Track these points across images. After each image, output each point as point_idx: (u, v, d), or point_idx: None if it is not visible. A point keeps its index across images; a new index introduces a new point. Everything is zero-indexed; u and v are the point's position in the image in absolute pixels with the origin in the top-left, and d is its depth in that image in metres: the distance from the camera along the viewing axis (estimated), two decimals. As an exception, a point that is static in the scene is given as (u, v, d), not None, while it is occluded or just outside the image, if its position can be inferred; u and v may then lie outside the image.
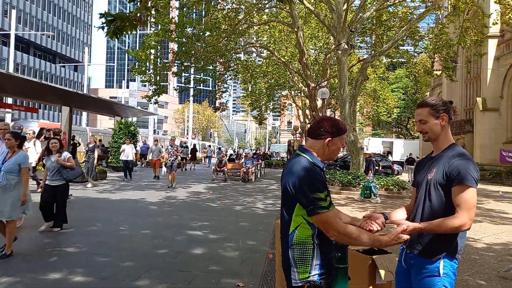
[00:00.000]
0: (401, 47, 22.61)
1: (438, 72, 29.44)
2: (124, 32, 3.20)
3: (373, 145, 37.30)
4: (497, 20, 15.27)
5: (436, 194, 2.20)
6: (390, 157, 28.67)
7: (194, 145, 33.09)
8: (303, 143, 11.13)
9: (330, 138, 2.08)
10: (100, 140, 27.44)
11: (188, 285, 4.31)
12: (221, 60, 19.50)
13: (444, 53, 18.56)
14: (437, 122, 2.27)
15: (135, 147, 21.79)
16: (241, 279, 4.54)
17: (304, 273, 1.98)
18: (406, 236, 2.08)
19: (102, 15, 2.95)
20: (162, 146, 19.16)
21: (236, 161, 22.54)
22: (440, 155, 2.28)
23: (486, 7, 20.62)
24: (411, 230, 2.10)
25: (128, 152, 16.10)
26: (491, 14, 15.61)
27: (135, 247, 5.81)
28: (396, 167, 26.45)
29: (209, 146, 50.79)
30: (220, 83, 23.44)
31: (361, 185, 13.93)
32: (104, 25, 2.94)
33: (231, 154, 29.66)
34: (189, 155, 26.48)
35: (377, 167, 14.22)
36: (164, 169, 15.00)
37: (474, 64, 26.34)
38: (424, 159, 2.46)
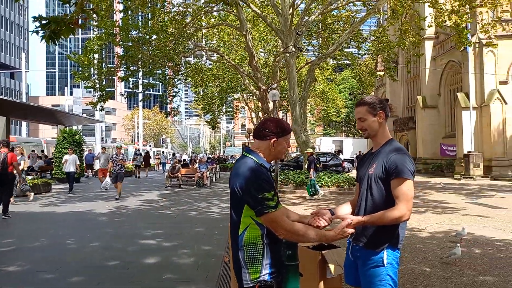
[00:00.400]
0: (346, 50, 23.47)
1: (381, 73, 30.87)
2: (62, 37, 3.06)
3: (325, 144, 38.33)
4: (432, 22, 16.26)
5: (377, 188, 2.30)
6: (341, 155, 29.64)
7: (147, 152, 32.46)
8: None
9: (275, 139, 2.12)
10: (42, 151, 26.16)
11: (141, 296, 4.19)
12: (169, 64, 19.17)
13: (385, 54, 19.49)
14: (375, 119, 2.38)
15: (82, 157, 20.89)
16: (196, 285, 4.49)
17: (254, 273, 2.00)
18: (351, 230, 2.16)
19: (35, 19, 2.79)
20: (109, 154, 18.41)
21: (190, 166, 22.26)
22: (379, 150, 2.39)
23: (422, 10, 21.91)
24: (355, 223, 2.19)
25: (70, 162, 15.16)
26: (426, 17, 16.60)
27: (84, 261, 5.56)
28: (346, 164, 27.33)
29: (163, 152, 49.80)
30: (170, 88, 23.05)
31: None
32: (39, 29, 2.79)
33: (184, 160, 29.36)
34: (143, 163, 26.13)
35: (318, 165, 14.51)
36: (108, 179, 14.02)
37: (413, 64, 27.87)
38: (365, 155, 2.57)
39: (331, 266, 2.66)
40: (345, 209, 2.49)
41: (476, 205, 11.22)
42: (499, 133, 22.72)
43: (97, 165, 17.91)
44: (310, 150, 14.41)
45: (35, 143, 30.27)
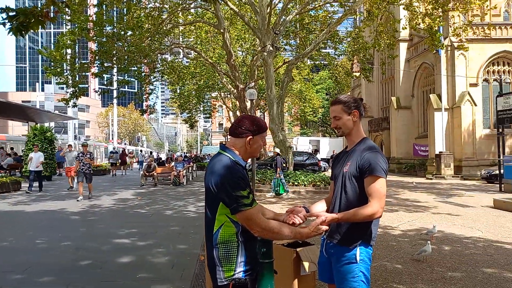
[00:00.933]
0: (323, 50, 23.72)
1: (357, 74, 31.38)
2: (31, 30, 2.96)
3: (302, 144, 38.66)
4: (406, 25, 16.61)
5: (351, 186, 2.34)
6: (318, 155, 29.99)
7: (123, 150, 32.16)
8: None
9: (251, 136, 2.11)
10: (12, 148, 25.31)
11: (114, 296, 4.11)
12: (145, 61, 18.86)
13: (361, 55, 19.80)
14: (349, 118, 2.41)
15: (53, 154, 20.31)
16: (171, 283, 4.44)
17: (229, 271, 1.99)
18: (325, 227, 2.18)
19: (2, 10, 2.68)
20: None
21: (166, 164, 22.03)
22: (354, 149, 2.43)
23: (397, 13, 22.40)
24: (330, 221, 2.21)
25: (35, 161, 14.32)
26: (400, 19, 16.96)
27: (55, 261, 5.41)
28: (322, 164, 27.66)
29: (141, 150, 49.07)
30: (145, 85, 22.70)
31: (290, 183, 14.39)
32: (6, 20, 2.68)
33: (160, 159, 29.23)
34: (119, 161, 26.24)
35: (284, 164, 14.76)
36: (76, 179, 13.09)
37: (388, 66, 28.45)
38: (340, 154, 2.61)
39: (305, 264, 2.68)
40: (319, 207, 2.51)
41: (447, 203, 11.55)
42: (469, 134, 23.48)
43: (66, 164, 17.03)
44: (277, 150, 14.67)
45: (22, 142, 29.81)
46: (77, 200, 11.71)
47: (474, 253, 5.80)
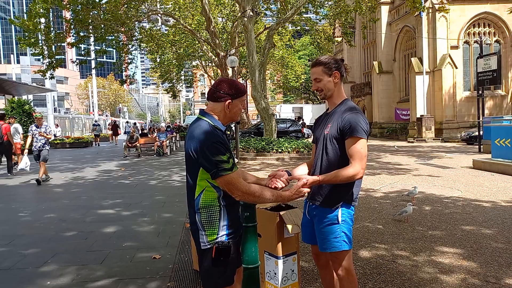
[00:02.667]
0: (304, 15, 23.26)
1: (339, 39, 31.07)
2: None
3: (285, 111, 38.69)
4: (388, -13, 16.39)
5: (332, 148, 2.33)
6: (303, 122, 30.11)
7: (115, 121, 32.99)
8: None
9: (230, 100, 2.07)
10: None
11: (100, 264, 4.13)
12: (122, 29, 18.18)
13: (343, 19, 19.53)
14: (330, 79, 2.37)
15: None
16: (157, 251, 4.47)
17: (212, 235, 2.00)
18: (306, 190, 2.19)
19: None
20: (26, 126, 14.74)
21: (149, 135, 21.82)
22: (334, 110, 2.41)
23: (379, -25, 22.02)
24: (311, 183, 2.21)
25: None
26: (382, -19, 16.68)
27: (39, 233, 5.37)
28: (305, 130, 27.82)
29: (127, 122, 48.61)
30: (124, 54, 22.04)
31: (274, 150, 14.48)
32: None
33: (142, 129, 29.48)
34: (110, 129, 28.58)
35: (228, 132, 14.87)
36: (25, 158, 10.97)
37: (369, 30, 28.21)
38: (321, 116, 2.58)
39: (289, 226, 2.72)
40: (301, 170, 2.52)
41: (427, 165, 11.83)
42: (450, 97, 23.80)
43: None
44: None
45: None
46: (37, 181, 9.82)
47: (453, 212, 5.98)
